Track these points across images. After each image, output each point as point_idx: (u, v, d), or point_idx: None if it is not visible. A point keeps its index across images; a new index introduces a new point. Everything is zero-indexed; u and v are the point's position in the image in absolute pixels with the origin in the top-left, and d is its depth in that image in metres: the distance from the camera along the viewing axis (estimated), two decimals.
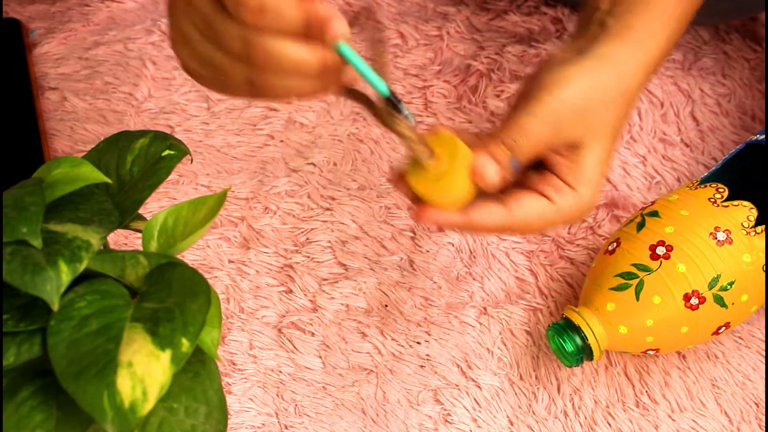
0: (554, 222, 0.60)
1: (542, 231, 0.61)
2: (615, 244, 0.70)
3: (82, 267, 0.44)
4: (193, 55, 0.51)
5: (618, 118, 0.59)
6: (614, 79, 0.59)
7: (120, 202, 0.50)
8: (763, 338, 0.74)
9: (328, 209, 0.81)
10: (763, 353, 0.73)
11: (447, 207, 0.57)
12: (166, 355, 0.43)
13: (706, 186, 0.71)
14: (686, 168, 0.83)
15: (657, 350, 0.70)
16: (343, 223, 0.80)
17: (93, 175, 0.48)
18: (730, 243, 0.67)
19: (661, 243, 0.68)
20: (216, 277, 0.78)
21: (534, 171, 0.61)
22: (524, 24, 0.94)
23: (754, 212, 0.69)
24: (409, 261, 0.78)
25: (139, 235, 0.50)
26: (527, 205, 0.59)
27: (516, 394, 0.72)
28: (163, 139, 0.53)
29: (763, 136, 0.74)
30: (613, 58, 0.59)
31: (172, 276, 0.47)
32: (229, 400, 0.71)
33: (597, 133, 0.59)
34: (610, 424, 0.70)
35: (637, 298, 0.67)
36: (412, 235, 0.80)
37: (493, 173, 0.56)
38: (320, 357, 0.74)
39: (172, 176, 0.84)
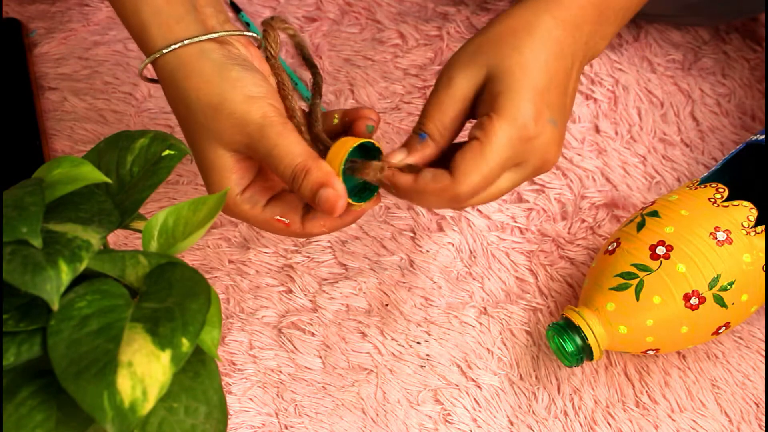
0: (499, 161, 0.57)
1: (493, 178, 0.58)
2: (615, 244, 0.70)
3: (82, 267, 0.44)
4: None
5: (530, 44, 0.58)
6: (520, 16, 0.59)
7: (120, 202, 0.50)
8: (763, 338, 0.74)
9: None
10: (763, 353, 0.73)
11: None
12: (166, 355, 0.43)
13: (706, 186, 0.71)
14: (686, 168, 0.83)
15: (657, 350, 0.70)
16: None
17: (93, 175, 0.48)
18: (730, 243, 0.67)
19: (661, 243, 0.68)
20: (216, 277, 0.78)
21: None
22: None
23: (754, 212, 0.69)
24: (409, 261, 0.78)
25: (139, 235, 0.50)
26: (462, 157, 0.57)
27: (516, 394, 0.72)
28: (163, 139, 0.53)
29: (762, 136, 0.74)
30: (527, 8, 0.59)
31: (172, 276, 0.47)
32: (229, 399, 0.71)
33: (505, 62, 0.57)
34: (610, 424, 0.70)
35: (637, 298, 0.67)
36: (412, 235, 0.80)
37: (400, 157, 0.59)
38: (320, 357, 0.74)
39: (172, 176, 0.84)
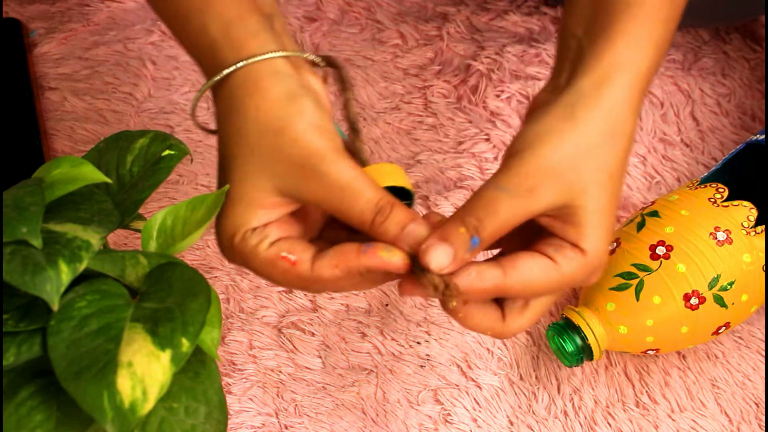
0: (559, 284, 0.52)
1: (544, 294, 0.53)
2: (615, 244, 0.70)
3: (82, 267, 0.44)
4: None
5: (612, 158, 0.52)
6: (598, 119, 0.51)
7: (120, 202, 0.50)
8: (763, 338, 0.74)
9: None
10: (763, 353, 0.73)
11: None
12: (166, 355, 0.43)
13: (706, 186, 0.71)
14: (686, 168, 0.83)
15: (657, 350, 0.70)
16: None
17: (93, 175, 0.48)
18: (730, 243, 0.68)
19: (661, 243, 0.68)
20: (216, 277, 0.78)
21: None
22: (524, 24, 0.94)
23: (754, 212, 0.69)
24: None
25: (139, 235, 0.50)
26: (525, 266, 0.51)
27: (516, 394, 0.72)
28: (163, 139, 0.53)
29: (762, 136, 0.74)
30: (595, 93, 0.52)
31: (172, 276, 0.47)
32: (229, 400, 0.71)
33: (588, 186, 0.51)
34: (610, 424, 0.70)
35: (637, 298, 0.67)
36: None
37: (443, 258, 0.49)
38: (320, 357, 0.74)
39: (172, 176, 0.84)
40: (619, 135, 0.52)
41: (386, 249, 0.50)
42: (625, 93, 0.52)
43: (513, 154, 0.52)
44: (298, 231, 0.54)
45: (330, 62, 0.57)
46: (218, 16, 0.53)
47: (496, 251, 0.55)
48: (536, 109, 0.54)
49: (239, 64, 0.52)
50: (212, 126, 0.54)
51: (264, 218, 0.52)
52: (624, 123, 0.52)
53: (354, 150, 0.54)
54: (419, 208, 0.81)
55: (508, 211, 0.50)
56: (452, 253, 0.49)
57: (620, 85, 0.52)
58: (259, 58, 0.52)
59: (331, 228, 0.56)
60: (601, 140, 0.51)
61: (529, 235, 0.53)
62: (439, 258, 0.49)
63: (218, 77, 0.52)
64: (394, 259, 0.50)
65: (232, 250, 0.53)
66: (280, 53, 0.52)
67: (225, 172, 0.53)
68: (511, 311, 0.54)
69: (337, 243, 0.52)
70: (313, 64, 0.56)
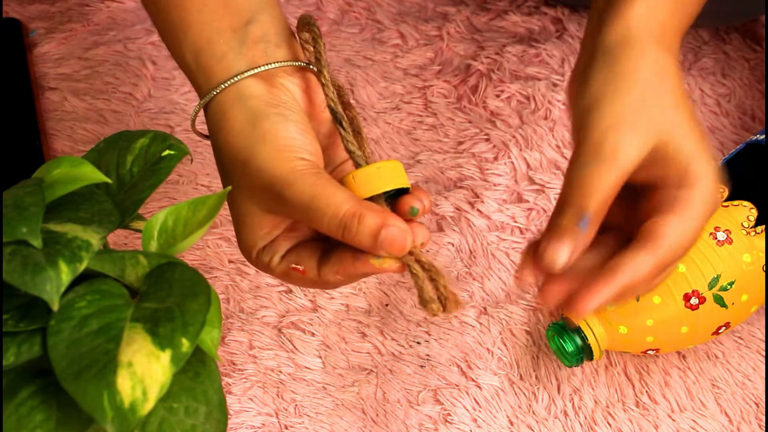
0: (699, 230, 0.51)
1: (691, 246, 0.52)
2: None
3: (82, 267, 0.44)
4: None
5: (668, 90, 0.52)
6: (636, 63, 0.52)
7: (120, 202, 0.51)
8: (763, 338, 0.74)
9: None
10: (763, 353, 0.73)
11: None
12: (166, 355, 0.43)
13: None
14: None
15: (657, 350, 0.70)
16: None
17: (93, 175, 0.48)
18: (730, 243, 0.68)
19: None
20: (216, 277, 0.78)
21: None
22: (524, 24, 0.94)
23: (754, 212, 0.69)
24: None
25: (139, 235, 0.50)
26: (665, 230, 0.50)
27: (516, 394, 0.72)
28: (163, 139, 0.53)
29: (762, 136, 0.74)
30: (624, 42, 0.53)
31: (172, 276, 0.47)
32: (229, 400, 0.71)
33: (662, 122, 0.51)
34: (610, 424, 0.70)
35: (637, 298, 0.67)
36: None
37: (564, 256, 0.50)
38: (320, 357, 0.74)
39: (172, 176, 0.84)
40: (663, 70, 0.52)
41: (376, 256, 0.50)
42: (653, 37, 0.53)
43: (578, 129, 0.52)
44: (305, 235, 0.55)
45: (309, 29, 0.56)
46: (192, 43, 0.55)
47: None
48: (577, 81, 0.54)
49: (208, 97, 0.53)
50: None
51: (268, 237, 0.54)
52: (662, 60, 0.53)
53: (343, 143, 0.54)
54: None
55: (603, 182, 0.50)
56: (570, 246, 0.50)
57: (646, 30, 0.53)
58: (222, 86, 0.53)
59: None
60: (648, 79, 0.52)
61: (630, 201, 0.53)
62: (562, 257, 0.50)
63: (193, 115, 0.55)
64: (386, 264, 0.51)
65: (254, 264, 0.55)
66: (245, 75, 0.53)
67: (228, 197, 0.55)
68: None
69: None
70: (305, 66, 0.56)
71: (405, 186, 0.52)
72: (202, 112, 0.56)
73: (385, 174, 0.52)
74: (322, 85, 0.55)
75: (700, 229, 0.52)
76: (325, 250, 0.53)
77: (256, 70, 0.53)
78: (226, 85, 0.53)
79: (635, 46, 0.53)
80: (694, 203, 0.51)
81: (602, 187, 0.50)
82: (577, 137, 0.52)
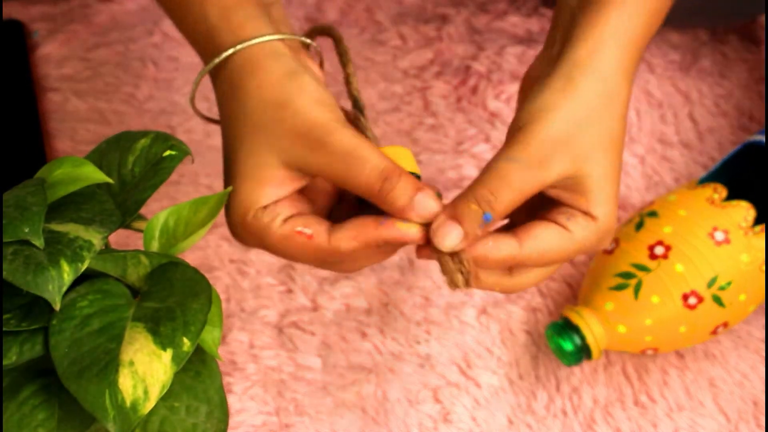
0: (573, 251, 0.53)
1: (559, 262, 0.54)
2: (614, 243, 0.71)
3: (83, 267, 0.45)
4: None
5: (613, 124, 0.53)
6: (596, 87, 0.53)
7: (121, 202, 0.51)
8: (761, 337, 0.74)
9: None
10: (761, 352, 0.73)
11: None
12: (167, 355, 0.44)
13: (704, 186, 0.71)
14: (684, 168, 0.83)
15: (655, 349, 0.70)
16: None
17: (95, 175, 0.49)
18: (728, 243, 0.68)
19: (660, 243, 0.68)
20: (216, 276, 0.78)
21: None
22: (523, 25, 0.94)
23: (752, 212, 0.69)
24: (409, 260, 0.78)
25: (141, 235, 0.51)
26: (540, 235, 0.52)
27: (515, 393, 0.72)
28: (164, 139, 0.53)
29: (761, 137, 0.74)
30: (589, 61, 0.53)
31: (173, 276, 0.47)
32: (230, 399, 0.72)
33: (592, 153, 0.52)
34: (609, 423, 0.70)
35: (636, 298, 0.67)
36: None
37: (453, 238, 0.49)
38: (320, 356, 0.74)
39: (173, 176, 0.84)
40: (616, 100, 0.53)
41: (403, 221, 0.50)
42: (617, 60, 0.53)
43: (519, 128, 0.52)
44: (308, 209, 0.54)
45: (329, 33, 0.58)
46: (217, 2, 0.54)
47: (503, 222, 0.56)
48: (532, 83, 0.55)
49: (238, 47, 0.53)
50: (212, 126, 0.55)
51: (273, 195, 0.52)
52: (619, 88, 0.53)
53: (359, 127, 0.55)
54: None
55: (522, 182, 0.50)
56: (463, 232, 0.49)
57: (612, 53, 0.53)
58: (257, 40, 0.53)
59: (339, 210, 0.56)
60: (599, 108, 0.52)
61: (534, 208, 0.54)
62: (450, 238, 0.49)
63: (219, 59, 0.53)
64: (411, 231, 0.50)
65: (244, 229, 0.53)
66: (278, 36, 0.53)
67: (231, 153, 0.53)
68: (519, 268, 0.54)
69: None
70: (308, 47, 0.57)
71: (418, 173, 0.53)
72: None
73: (403, 157, 0.53)
74: (348, 74, 0.57)
75: (568, 256, 0.53)
76: (333, 222, 0.52)
77: (289, 36, 0.54)
78: (262, 40, 0.53)
79: (598, 68, 0.53)
80: (582, 231, 0.52)
81: (521, 187, 0.50)
82: (515, 134, 0.52)
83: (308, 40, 0.57)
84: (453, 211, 0.50)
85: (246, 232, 0.53)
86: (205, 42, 0.55)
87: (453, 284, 0.50)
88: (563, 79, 0.53)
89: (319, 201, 0.56)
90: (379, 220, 0.50)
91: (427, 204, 0.49)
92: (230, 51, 0.53)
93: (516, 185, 0.50)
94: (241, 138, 0.52)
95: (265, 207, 0.52)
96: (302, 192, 0.54)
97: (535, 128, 0.52)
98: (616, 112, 0.53)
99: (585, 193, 0.52)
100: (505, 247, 0.51)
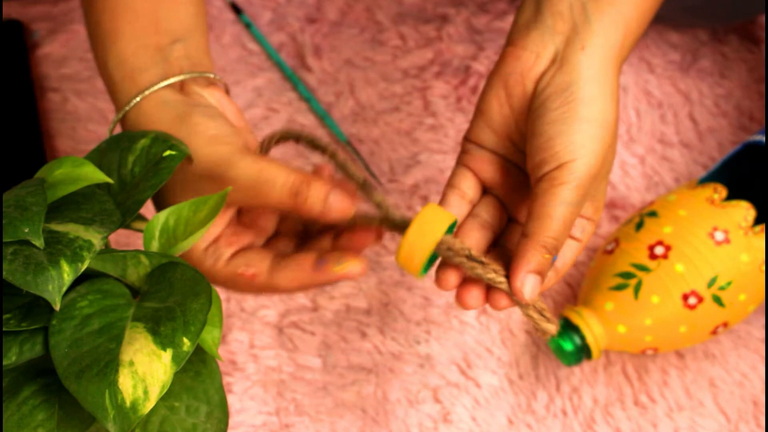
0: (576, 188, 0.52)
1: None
2: (614, 243, 0.71)
3: (83, 267, 0.45)
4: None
5: (614, 117, 0.54)
6: (600, 107, 0.52)
7: (121, 202, 0.51)
8: (761, 337, 0.74)
9: None
10: (761, 352, 0.73)
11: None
12: (167, 355, 0.44)
13: (704, 186, 0.71)
14: (684, 168, 0.83)
15: (655, 349, 0.70)
16: None
17: (95, 175, 0.49)
18: (728, 243, 0.68)
19: (660, 243, 0.68)
20: None
21: None
22: None
23: (752, 212, 0.69)
24: None
25: (141, 235, 0.51)
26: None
27: (515, 393, 0.72)
28: (164, 140, 0.53)
29: (760, 137, 0.74)
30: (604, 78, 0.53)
31: (173, 276, 0.47)
32: (230, 399, 0.72)
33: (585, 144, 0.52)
34: (608, 423, 0.70)
35: (636, 298, 0.68)
36: None
37: (535, 289, 0.50)
38: (320, 356, 0.74)
39: None
40: (616, 97, 0.53)
41: (337, 262, 0.52)
42: (618, 69, 0.54)
43: (564, 164, 0.51)
44: (249, 239, 0.56)
45: (313, 144, 0.57)
46: (118, 53, 0.57)
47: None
48: (535, 84, 0.54)
49: (126, 108, 0.55)
50: None
51: (209, 236, 0.54)
52: (617, 86, 0.54)
53: (376, 204, 0.54)
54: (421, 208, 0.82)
55: (574, 220, 0.51)
56: (541, 280, 0.50)
57: (617, 68, 0.53)
58: (146, 92, 0.55)
59: (284, 220, 0.57)
60: (614, 125, 0.53)
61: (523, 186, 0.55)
62: (533, 290, 0.50)
63: (119, 115, 0.56)
64: (348, 269, 0.52)
65: (198, 267, 0.54)
66: (164, 83, 0.55)
67: (159, 207, 0.55)
68: None
69: (292, 235, 0.55)
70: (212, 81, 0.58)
71: (451, 221, 0.52)
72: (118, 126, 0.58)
73: (427, 221, 0.52)
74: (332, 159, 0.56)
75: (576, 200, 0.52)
76: (278, 249, 0.54)
77: (174, 79, 0.56)
78: (148, 92, 0.55)
79: (608, 73, 0.53)
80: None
81: (573, 223, 0.51)
82: (562, 171, 0.51)
83: (209, 73, 0.58)
84: (528, 262, 0.50)
85: (199, 269, 0.54)
86: (110, 92, 0.58)
87: (545, 333, 0.51)
88: (576, 109, 0.52)
89: (260, 224, 0.57)
90: (315, 265, 0.52)
91: (340, 203, 0.51)
92: (119, 115, 0.56)
93: (571, 225, 0.51)
94: (161, 190, 0.55)
95: (206, 249, 0.54)
96: (241, 222, 0.56)
97: (582, 167, 0.51)
98: (615, 107, 0.54)
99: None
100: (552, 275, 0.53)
